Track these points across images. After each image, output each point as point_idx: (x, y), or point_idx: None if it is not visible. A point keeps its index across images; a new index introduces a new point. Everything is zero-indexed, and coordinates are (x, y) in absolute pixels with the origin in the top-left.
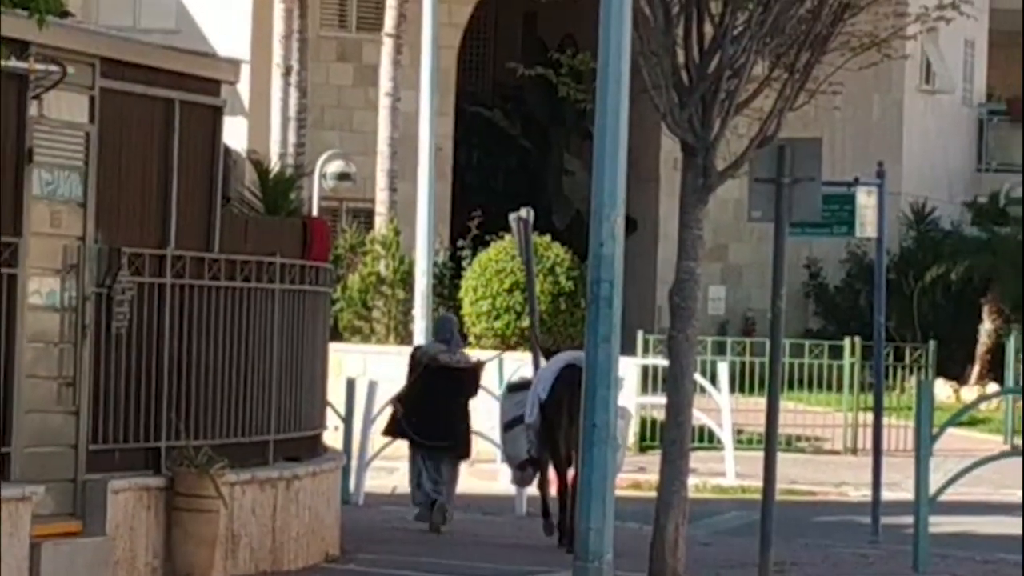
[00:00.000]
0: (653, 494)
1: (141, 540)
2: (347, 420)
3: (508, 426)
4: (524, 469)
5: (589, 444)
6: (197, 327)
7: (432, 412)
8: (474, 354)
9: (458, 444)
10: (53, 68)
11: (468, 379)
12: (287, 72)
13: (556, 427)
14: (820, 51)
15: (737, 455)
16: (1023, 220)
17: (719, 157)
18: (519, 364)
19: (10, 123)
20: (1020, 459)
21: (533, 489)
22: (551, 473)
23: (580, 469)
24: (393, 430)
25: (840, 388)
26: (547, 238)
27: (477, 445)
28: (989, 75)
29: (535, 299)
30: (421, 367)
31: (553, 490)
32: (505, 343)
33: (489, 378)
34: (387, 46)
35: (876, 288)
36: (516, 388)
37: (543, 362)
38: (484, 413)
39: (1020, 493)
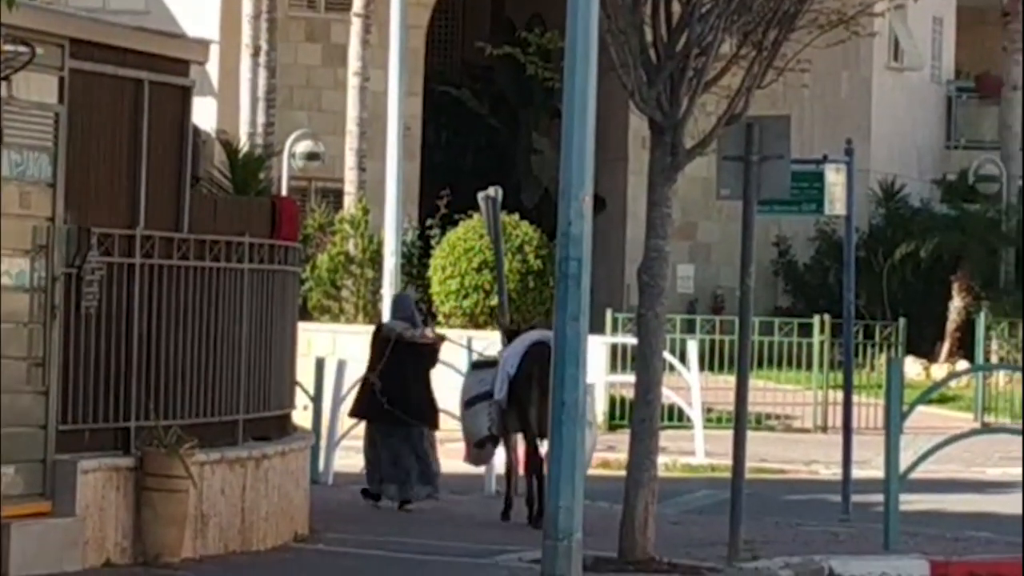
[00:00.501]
0: (622, 473)
1: (110, 520)
2: (316, 400)
3: (470, 403)
4: (483, 446)
5: (558, 423)
6: (166, 307)
7: (402, 388)
8: (441, 332)
9: (429, 416)
10: (22, 49)
11: (431, 353)
12: (256, 52)
13: (527, 403)
14: (788, 29)
15: (707, 433)
16: (992, 197)
17: (687, 135)
18: (487, 343)
19: None
20: (990, 436)
21: (502, 468)
22: (519, 451)
23: (550, 447)
24: (360, 411)
25: (810, 366)
26: (516, 217)
27: (446, 424)
28: (957, 52)
29: (504, 278)
30: (388, 344)
31: (520, 469)
32: (474, 322)
33: (460, 358)
34: (355, 26)
35: (845, 266)
36: (480, 366)
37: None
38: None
39: (990, 471)
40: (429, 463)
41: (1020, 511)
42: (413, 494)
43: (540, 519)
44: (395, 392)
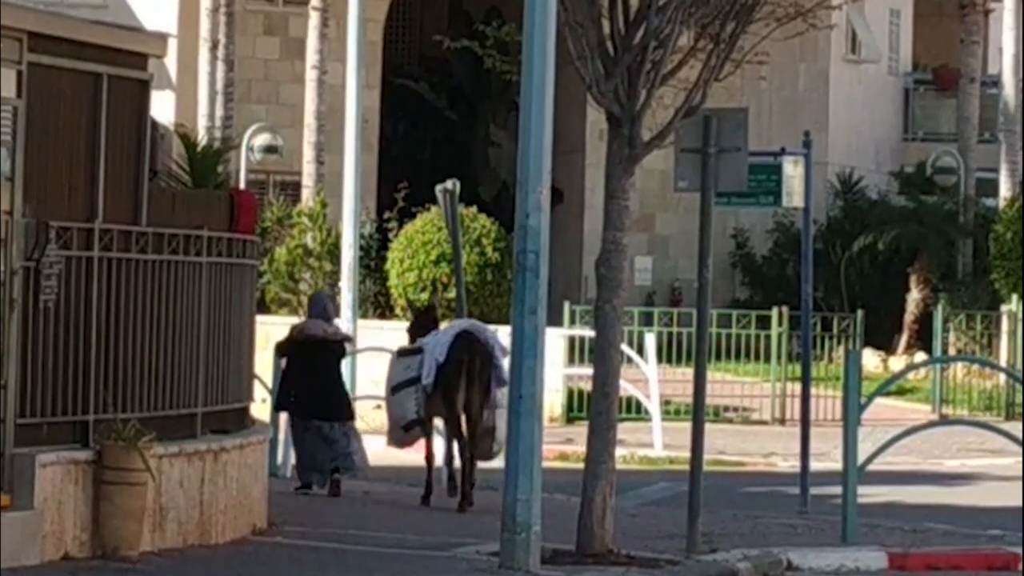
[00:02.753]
0: (580, 465)
1: (69, 514)
2: (274, 393)
3: (396, 388)
4: (410, 429)
5: (516, 415)
6: (125, 300)
7: (318, 383)
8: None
9: (343, 408)
10: None
11: (341, 348)
12: (214, 46)
13: (455, 388)
14: (745, 21)
15: (665, 426)
16: (950, 189)
17: (645, 127)
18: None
19: None
20: (948, 428)
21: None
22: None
23: (507, 440)
24: (284, 404)
25: (768, 358)
26: (473, 209)
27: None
28: (915, 44)
29: (461, 271)
30: (298, 344)
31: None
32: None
33: None
34: (313, 19)
35: (803, 258)
36: (405, 353)
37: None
38: None
39: (948, 463)
40: (349, 452)
41: (977, 503)
42: (335, 478)
43: (465, 504)
44: (312, 387)
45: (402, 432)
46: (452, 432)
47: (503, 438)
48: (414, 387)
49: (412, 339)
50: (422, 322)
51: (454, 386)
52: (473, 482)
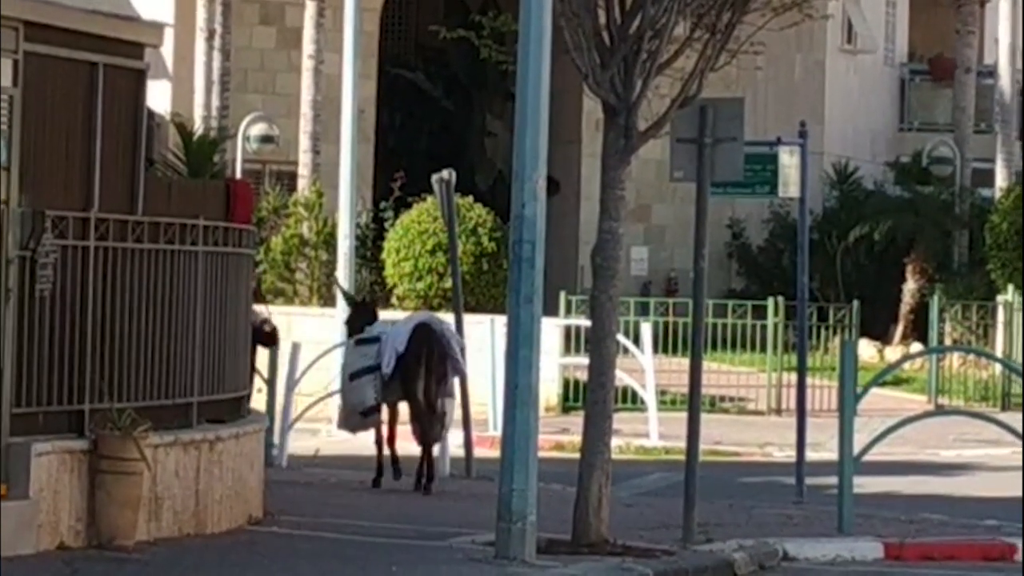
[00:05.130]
0: (576, 455)
1: (64, 503)
2: (270, 382)
3: (353, 376)
4: (368, 415)
5: (512, 405)
6: (121, 290)
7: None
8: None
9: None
10: None
11: (261, 335)
12: (210, 35)
13: (415, 378)
14: (741, 11)
15: (660, 416)
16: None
17: (641, 118)
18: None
19: None
20: (944, 418)
21: (456, 450)
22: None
23: (504, 430)
24: None
25: (764, 348)
26: (469, 199)
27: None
28: (911, 34)
29: (457, 260)
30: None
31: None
32: (428, 304)
33: None
34: (310, 9)
35: (799, 248)
36: (361, 342)
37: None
38: None
39: (944, 453)
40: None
41: (973, 493)
42: None
43: (430, 485)
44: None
45: (359, 418)
46: (416, 418)
47: (448, 423)
48: (372, 375)
49: (350, 330)
50: (361, 314)
51: (414, 375)
52: (431, 463)
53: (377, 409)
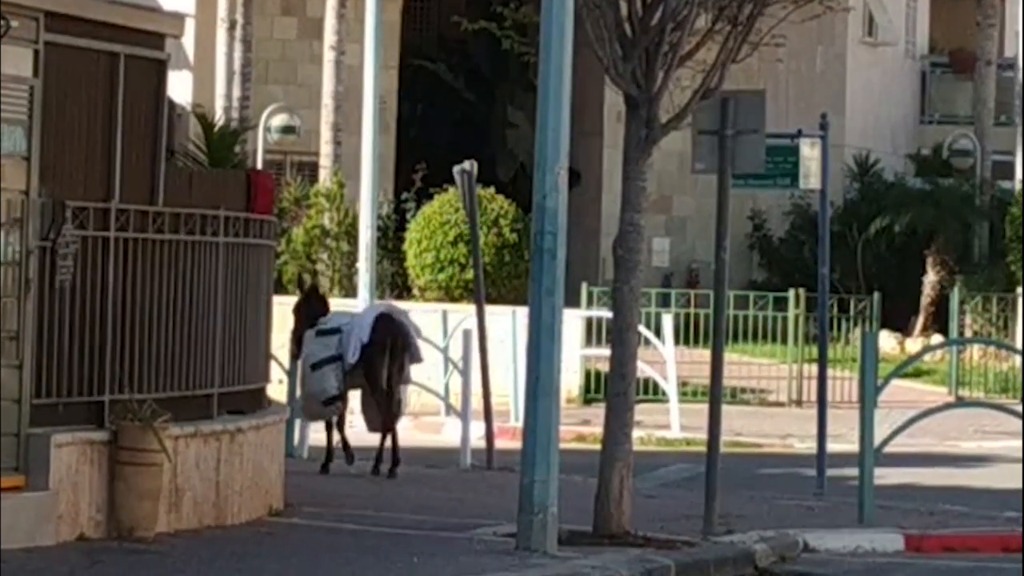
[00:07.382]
0: (597, 447)
1: (84, 494)
2: (291, 373)
3: (316, 366)
4: (331, 403)
5: (533, 396)
6: (141, 280)
7: None
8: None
9: None
10: None
11: None
12: (232, 26)
13: (379, 367)
14: (763, 3)
15: (682, 407)
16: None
17: (662, 109)
18: (463, 316)
19: None
20: (964, 410)
21: (478, 442)
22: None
23: (525, 422)
24: None
25: (785, 340)
26: (491, 190)
27: (421, 398)
28: (931, 27)
29: (479, 251)
30: None
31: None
32: (449, 295)
33: (434, 331)
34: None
35: (820, 240)
36: (323, 333)
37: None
38: (430, 367)
39: (964, 445)
40: None
41: (993, 485)
42: None
43: (394, 470)
44: None
45: (321, 406)
46: (380, 406)
47: (404, 408)
48: (334, 364)
49: (298, 320)
50: (312, 304)
51: (379, 363)
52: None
53: (339, 398)
